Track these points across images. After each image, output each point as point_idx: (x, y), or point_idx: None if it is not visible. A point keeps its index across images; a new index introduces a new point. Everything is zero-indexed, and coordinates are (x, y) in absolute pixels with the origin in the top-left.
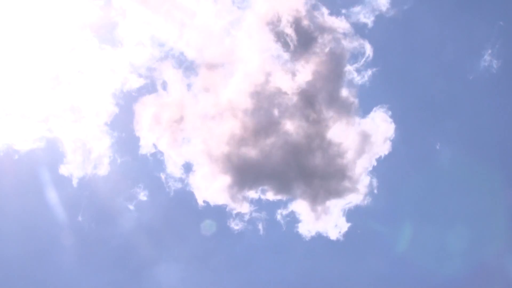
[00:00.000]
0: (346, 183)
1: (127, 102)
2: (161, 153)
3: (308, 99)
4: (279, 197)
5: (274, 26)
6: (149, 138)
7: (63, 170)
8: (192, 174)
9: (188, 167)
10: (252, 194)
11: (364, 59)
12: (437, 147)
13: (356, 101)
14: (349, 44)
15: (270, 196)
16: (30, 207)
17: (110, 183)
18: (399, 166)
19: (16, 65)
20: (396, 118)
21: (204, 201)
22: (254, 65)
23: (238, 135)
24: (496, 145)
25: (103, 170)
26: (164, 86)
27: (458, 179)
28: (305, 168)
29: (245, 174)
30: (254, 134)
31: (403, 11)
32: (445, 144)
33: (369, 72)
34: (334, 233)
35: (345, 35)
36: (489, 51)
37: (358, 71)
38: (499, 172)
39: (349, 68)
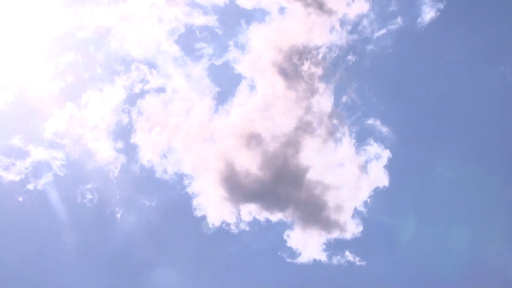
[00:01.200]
0: (339, 214)
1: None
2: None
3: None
4: (267, 216)
5: (273, 62)
6: (148, 153)
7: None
8: (190, 189)
9: (185, 182)
10: (246, 212)
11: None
12: (438, 171)
13: (356, 129)
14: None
15: (262, 215)
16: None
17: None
18: (398, 198)
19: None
20: (393, 146)
21: (201, 215)
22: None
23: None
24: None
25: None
26: (165, 103)
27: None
28: (294, 194)
29: (241, 192)
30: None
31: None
32: (446, 168)
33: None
34: (327, 260)
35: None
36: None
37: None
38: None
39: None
